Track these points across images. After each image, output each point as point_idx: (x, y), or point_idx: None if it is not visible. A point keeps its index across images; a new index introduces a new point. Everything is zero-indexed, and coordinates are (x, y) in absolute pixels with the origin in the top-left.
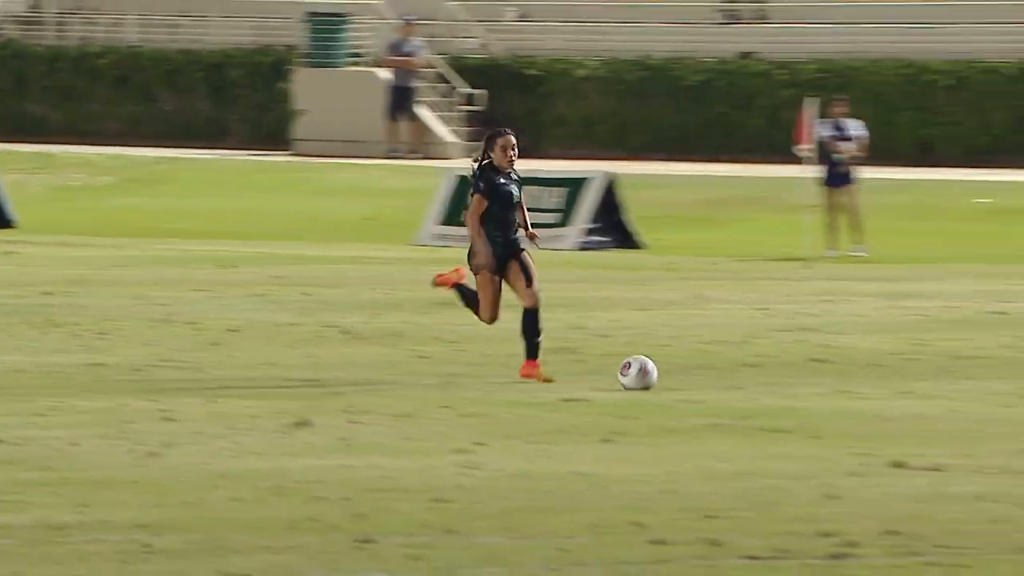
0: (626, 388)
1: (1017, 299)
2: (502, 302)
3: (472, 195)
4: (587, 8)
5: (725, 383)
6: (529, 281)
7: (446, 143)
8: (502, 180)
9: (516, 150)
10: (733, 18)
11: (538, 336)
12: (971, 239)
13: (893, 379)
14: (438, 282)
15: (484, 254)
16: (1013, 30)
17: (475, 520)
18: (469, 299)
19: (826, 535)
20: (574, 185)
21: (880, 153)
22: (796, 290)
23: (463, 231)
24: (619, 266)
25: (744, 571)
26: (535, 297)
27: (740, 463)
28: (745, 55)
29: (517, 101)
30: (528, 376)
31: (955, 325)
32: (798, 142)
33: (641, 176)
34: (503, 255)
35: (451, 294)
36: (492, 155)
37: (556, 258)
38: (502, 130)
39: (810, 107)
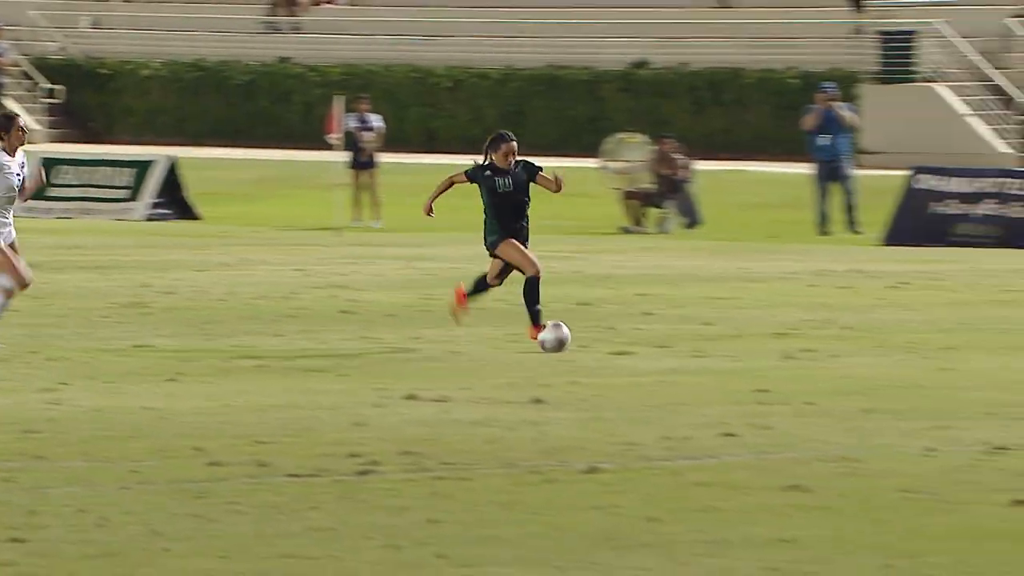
0: (545, 347)
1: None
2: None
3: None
4: (150, 18)
5: (270, 331)
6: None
7: (30, 131)
8: (489, 174)
9: (516, 155)
10: (273, 28)
11: (537, 304)
12: (467, 212)
13: (407, 327)
14: (458, 309)
15: (427, 201)
16: (500, 43)
17: (60, 447)
18: (479, 287)
19: (354, 456)
20: (141, 166)
21: (394, 141)
22: (328, 254)
23: (46, 204)
24: (181, 234)
25: (287, 487)
26: (536, 267)
27: (283, 397)
28: (283, 59)
29: (91, 96)
30: (536, 337)
31: (455, 282)
32: (329, 132)
33: (199, 159)
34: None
35: (471, 303)
36: (494, 157)
37: (126, 228)
38: (506, 135)
39: (338, 103)
